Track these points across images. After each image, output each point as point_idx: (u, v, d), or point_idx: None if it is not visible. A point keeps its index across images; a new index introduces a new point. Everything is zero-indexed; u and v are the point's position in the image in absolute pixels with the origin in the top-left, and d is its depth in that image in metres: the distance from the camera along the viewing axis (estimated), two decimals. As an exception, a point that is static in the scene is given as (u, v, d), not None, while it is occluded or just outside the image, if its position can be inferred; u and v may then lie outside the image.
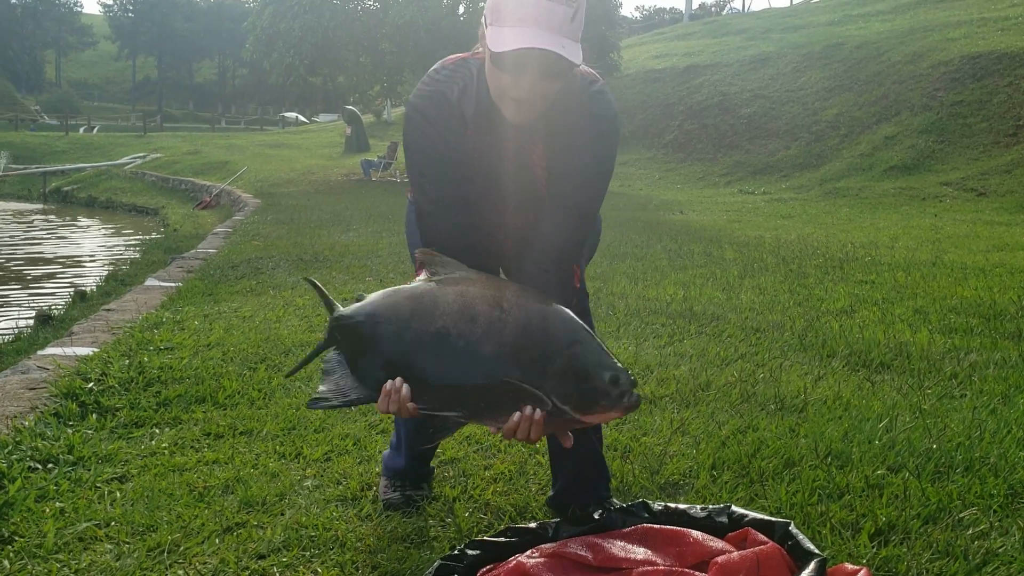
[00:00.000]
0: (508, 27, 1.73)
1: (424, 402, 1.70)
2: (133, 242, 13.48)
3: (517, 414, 1.64)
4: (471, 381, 1.67)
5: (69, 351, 3.83)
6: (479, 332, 1.66)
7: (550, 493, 2.17)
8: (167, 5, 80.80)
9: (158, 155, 29.49)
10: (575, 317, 1.74)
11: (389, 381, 1.70)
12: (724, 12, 41.46)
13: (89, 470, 2.52)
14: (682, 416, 2.78)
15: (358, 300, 1.86)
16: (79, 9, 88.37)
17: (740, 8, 40.73)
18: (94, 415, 3.04)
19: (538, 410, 1.64)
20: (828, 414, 2.76)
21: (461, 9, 20.14)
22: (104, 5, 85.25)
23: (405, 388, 1.69)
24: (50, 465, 2.55)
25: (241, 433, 2.85)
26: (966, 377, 3.25)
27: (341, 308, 1.89)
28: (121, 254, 11.87)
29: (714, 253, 7.26)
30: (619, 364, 1.68)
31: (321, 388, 1.82)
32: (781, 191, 15.30)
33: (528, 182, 1.97)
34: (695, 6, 44.91)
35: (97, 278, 8.95)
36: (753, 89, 20.61)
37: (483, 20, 1.85)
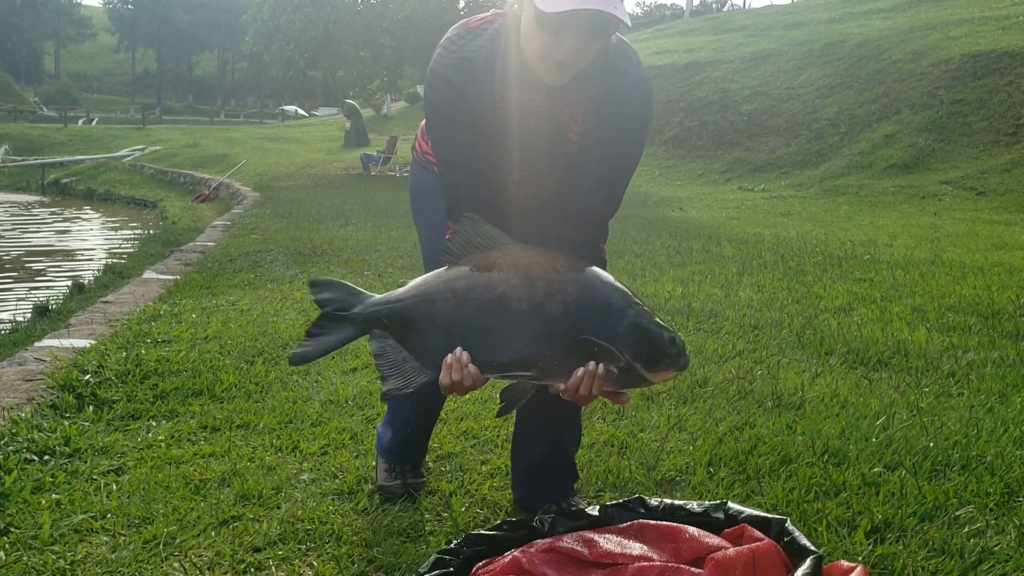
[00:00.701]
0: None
1: (493, 368, 1.70)
2: (131, 234, 13.47)
3: (581, 370, 1.64)
4: (542, 340, 1.67)
5: (66, 343, 3.83)
6: (541, 294, 1.67)
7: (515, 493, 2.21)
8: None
9: (157, 148, 29.45)
10: (622, 286, 1.76)
11: (450, 354, 1.70)
12: (725, 8, 41.42)
13: (85, 462, 2.52)
14: (679, 413, 2.78)
15: (402, 287, 1.84)
16: (78, 1, 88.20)
17: (741, 5, 40.72)
18: (91, 407, 3.04)
19: (601, 366, 1.65)
20: (825, 411, 2.76)
21: (462, 3, 20.10)
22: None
23: (466, 355, 1.69)
24: (46, 457, 2.54)
25: (238, 426, 2.85)
26: (964, 375, 3.25)
27: (375, 295, 1.86)
28: (119, 246, 11.85)
29: (713, 250, 7.26)
30: (670, 329, 1.73)
31: (390, 380, 1.79)
32: (781, 188, 15.30)
33: (560, 145, 1.92)
34: (696, 2, 44.85)
35: (95, 270, 8.94)
36: (754, 86, 20.59)
37: None
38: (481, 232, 1.79)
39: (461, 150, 1.89)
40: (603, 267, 1.91)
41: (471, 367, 1.68)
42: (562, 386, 1.68)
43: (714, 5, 47.19)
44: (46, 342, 3.93)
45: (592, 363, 1.64)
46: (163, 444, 2.69)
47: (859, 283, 5.56)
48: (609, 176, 1.89)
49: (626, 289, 1.73)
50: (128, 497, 2.25)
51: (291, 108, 56.04)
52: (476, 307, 1.70)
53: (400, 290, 1.83)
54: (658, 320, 1.71)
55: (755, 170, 17.26)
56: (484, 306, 1.69)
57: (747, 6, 39.64)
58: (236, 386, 3.29)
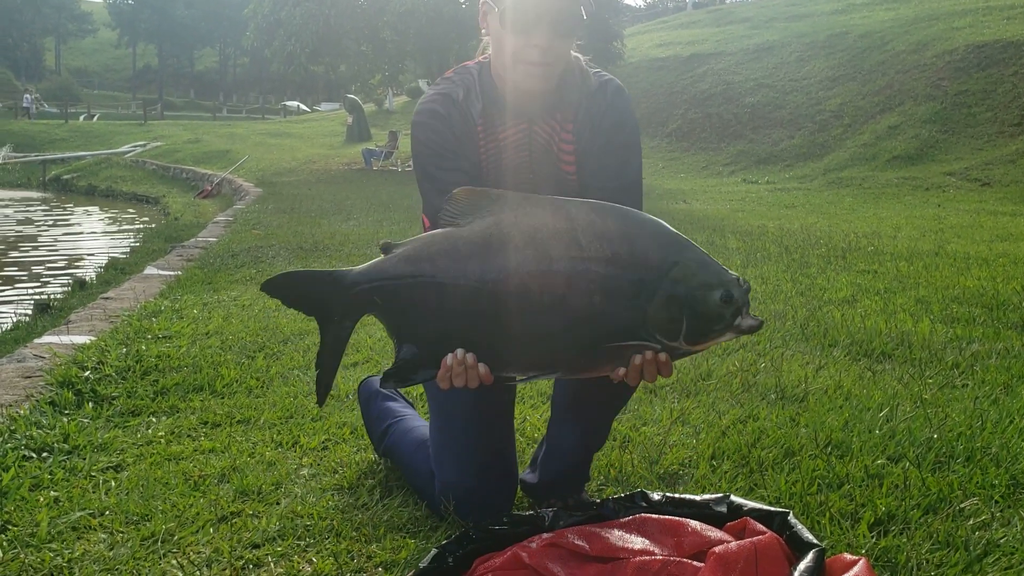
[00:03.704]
0: None
1: (508, 369, 1.54)
2: (133, 230, 13.46)
3: (639, 357, 1.49)
4: (564, 341, 1.49)
5: (66, 339, 3.82)
6: (562, 283, 1.46)
7: (526, 471, 2.15)
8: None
9: (159, 143, 29.43)
10: (662, 224, 1.53)
11: (450, 355, 1.52)
12: (728, 0, 41.26)
13: (84, 459, 2.51)
14: (682, 406, 2.76)
15: (385, 251, 1.58)
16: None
17: (744, -4, 40.53)
18: (90, 403, 3.03)
19: (661, 353, 1.49)
20: (829, 404, 2.73)
21: (463, -3, 20.04)
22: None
23: (471, 356, 1.52)
24: (45, 454, 2.53)
25: (238, 422, 2.83)
26: (968, 367, 3.23)
27: (355, 269, 1.59)
28: (121, 242, 11.85)
29: (717, 242, 7.24)
30: (729, 274, 1.49)
31: (397, 363, 1.59)
32: (784, 180, 15.26)
33: (554, 175, 1.89)
34: (698, -6, 44.71)
35: (97, 266, 8.93)
36: (757, 78, 20.53)
37: (482, 2, 1.81)
38: (483, 193, 1.58)
39: (452, 177, 1.80)
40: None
41: (481, 368, 1.53)
42: (621, 371, 1.52)
43: (716, -3, 46.99)
44: (46, 339, 3.92)
45: (650, 352, 1.49)
46: (163, 440, 2.68)
47: (863, 275, 5.53)
48: (622, 184, 1.86)
49: (669, 239, 1.50)
50: (127, 494, 2.23)
51: (293, 103, 56.00)
52: (491, 299, 1.49)
53: (394, 260, 1.56)
54: (710, 276, 1.47)
55: (759, 162, 17.21)
56: (499, 297, 1.48)
57: (749, -2, 39.50)
58: (237, 381, 3.28)
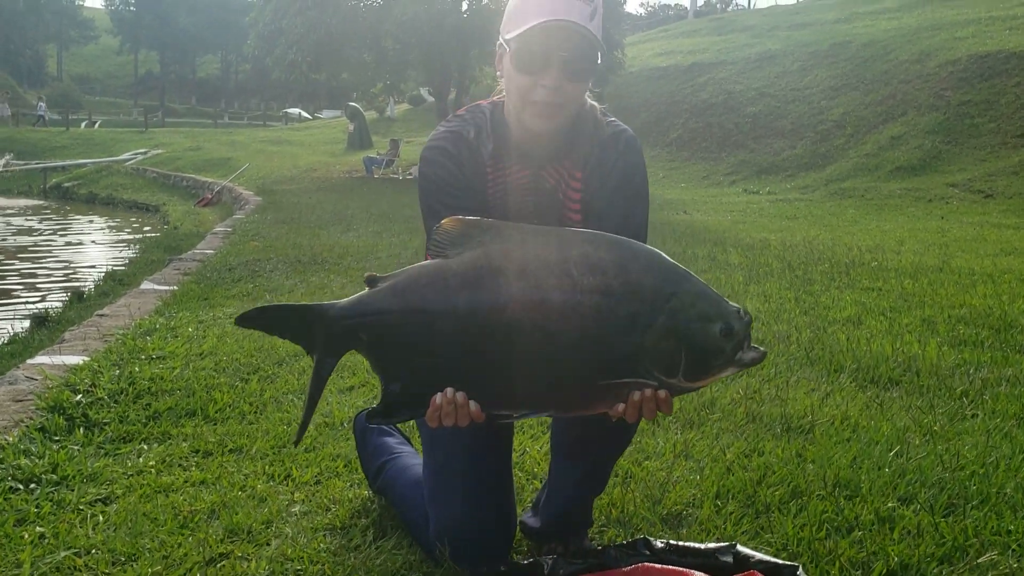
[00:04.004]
0: (524, 25, 1.70)
1: (500, 406, 1.48)
2: (133, 239, 13.41)
3: (637, 394, 1.44)
4: (556, 378, 1.43)
5: (58, 360, 3.75)
6: (553, 316, 1.40)
7: (527, 514, 2.08)
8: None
9: (159, 151, 29.43)
10: (659, 255, 1.47)
11: (439, 395, 1.47)
12: (729, 9, 41.29)
13: (73, 490, 2.45)
14: (685, 438, 2.69)
15: (371, 285, 1.51)
16: (81, 3, 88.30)
17: (746, 5, 40.58)
18: (81, 429, 2.97)
19: (661, 390, 1.43)
20: (836, 436, 2.66)
21: (464, 6, 20.00)
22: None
23: (461, 395, 1.46)
24: (32, 485, 2.47)
25: (230, 451, 2.77)
26: (977, 395, 3.16)
27: (338, 303, 1.53)
28: (120, 252, 11.80)
29: (719, 257, 7.17)
30: (729, 306, 1.43)
31: (384, 399, 1.52)
32: (786, 191, 15.20)
33: (558, 217, 1.86)
34: (700, 3, 44.74)
35: (95, 277, 8.88)
36: (758, 87, 20.49)
37: (498, 44, 1.79)
38: (473, 223, 1.52)
39: (454, 207, 1.75)
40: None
41: (472, 406, 1.47)
42: (620, 408, 1.46)
43: (719, 6, 47.08)
44: (38, 359, 3.86)
45: (650, 390, 1.44)
46: (153, 470, 2.62)
47: (867, 292, 5.46)
48: (625, 233, 1.81)
49: (667, 271, 1.44)
50: (115, 530, 2.17)
51: (295, 111, 56.02)
52: (480, 332, 1.43)
53: (380, 293, 1.50)
54: (710, 308, 1.41)
55: (760, 172, 17.16)
56: (489, 331, 1.42)
57: (752, 6, 39.52)
58: (230, 406, 3.22)
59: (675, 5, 74.54)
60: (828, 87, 18.99)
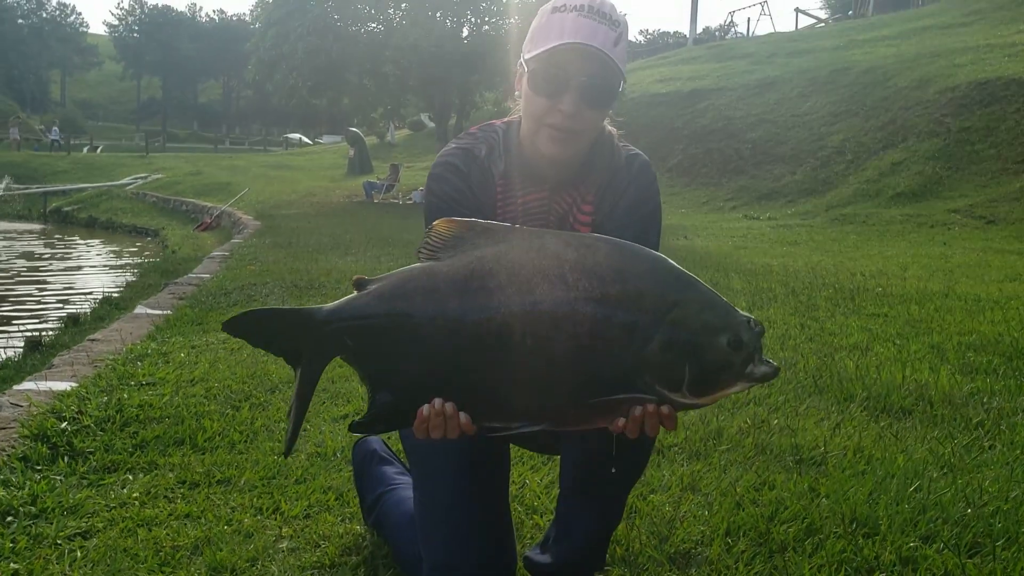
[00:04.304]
0: (544, 45, 1.64)
1: (492, 418, 1.39)
2: (131, 263, 13.33)
3: (638, 409, 1.34)
4: (550, 389, 1.34)
5: (45, 386, 3.65)
6: (547, 324, 1.32)
7: (534, 550, 1.96)
8: (172, 25, 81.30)
9: (160, 175, 29.43)
10: (662, 259, 1.38)
11: (426, 406, 1.37)
12: (728, 36, 41.51)
13: (51, 523, 2.35)
14: (692, 470, 2.58)
15: (359, 288, 1.44)
16: (85, 29, 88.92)
17: (744, 32, 40.80)
18: (65, 458, 2.87)
19: (664, 405, 1.33)
20: (850, 469, 2.55)
21: (465, 32, 20.08)
22: (110, 26, 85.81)
23: (450, 406, 1.37)
24: (9, 518, 2.37)
25: (218, 482, 2.66)
26: (993, 426, 3.04)
27: (325, 307, 1.44)
28: (118, 276, 11.72)
29: (721, 282, 7.07)
30: (738, 315, 1.33)
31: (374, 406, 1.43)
32: (787, 217, 15.13)
33: None
34: (699, 30, 44.98)
35: (92, 302, 8.79)
36: (758, 114, 20.49)
37: (518, 63, 1.73)
38: (467, 225, 1.43)
39: None
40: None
41: (461, 417, 1.37)
42: (621, 422, 1.36)
43: (717, 33, 47.37)
44: (25, 385, 3.75)
45: (652, 405, 1.34)
46: (137, 502, 2.52)
47: (873, 319, 5.36)
48: None
49: (669, 278, 1.35)
50: (92, 567, 2.07)
51: (295, 136, 56.23)
52: (471, 339, 1.34)
53: (367, 297, 1.42)
54: (716, 319, 1.32)
55: (761, 198, 17.10)
56: (479, 339, 1.34)
57: (751, 34, 39.74)
58: (220, 434, 3.11)
59: (674, 32, 75.09)
60: (828, 113, 18.98)
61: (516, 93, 1.77)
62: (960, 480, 2.40)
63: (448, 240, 1.42)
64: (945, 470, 2.52)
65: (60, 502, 2.48)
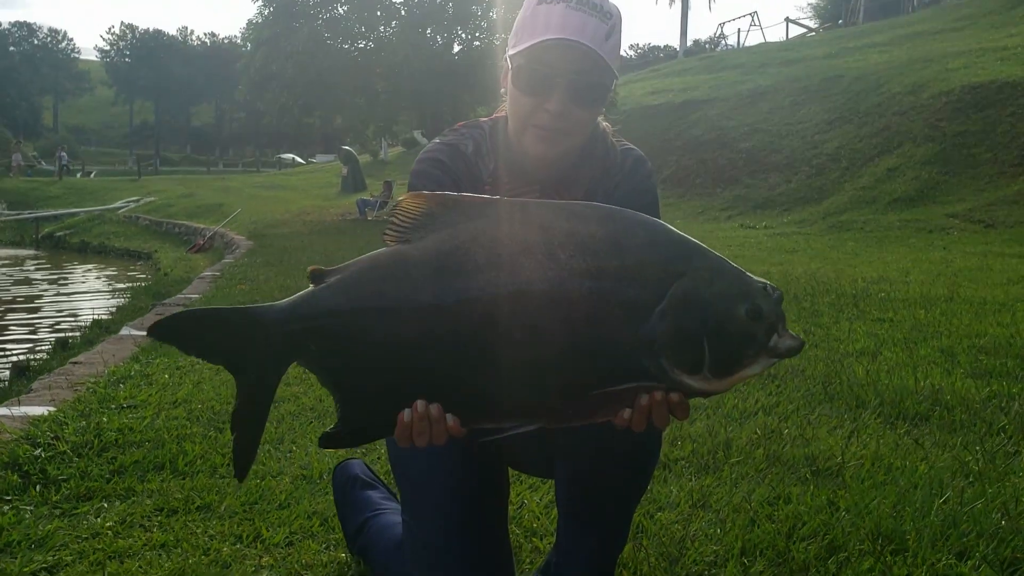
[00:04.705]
0: (529, 41, 1.51)
1: (479, 419, 1.22)
2: (122, 287, 13.19)
3: (646, 397, 1.19)
4: (543, 382, 1.18)
5: (20, 411, 3.49)
6: (535, 308, 1.16)
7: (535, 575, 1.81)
8: (164, 50, 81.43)
9: (152, 198, 29.30)
10: (662, 226, 1.22)
11: (407, 410, 1.21)
12: (719, 48, 41.57)
13: (16, 558, 2.19)
14: (702, 484, 2.42)
15: (316, 281, 1.27)
16: (76, 55, 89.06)
17: (735, 43, 40.87)
18: (38, 487, 2.72)
19: (673, 392, 1.18)
20: (869, 480, 2.40)
21: (456, 48, 20.03)
22: (101, 51, 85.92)
23: (435, 408, 1.21)
24: (-30, 554, 2.20)
25: (197, 508, 2.51)
26: (1016, 431, 2.89)
27: (279, 304, 1.26)
28: (109, 300, 11.59)
29: (720, 291, 6.93)
30: (753, 282, 1.19)
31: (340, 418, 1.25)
32: (783, 225, 15.01)
33: None
34: (689, 43, 45.08)
35: (82, 325, 8.66)
36: (751, 123, 20.42)
37: (503, 59, 1.61)
38: (436, 199, 1.24)
39: None
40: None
41: (449, 419, 1.22)
42: (626, 414, 1.21)
43: (707, 46, 47.49)
44: (0, 411, 3.59)
45: (660, 392, 1.19)
46: (111, 532, 2.36)
47: (879, 323, 5.22)
48: None
49: (674, 245, 1.20)
50: (54, 606, 1.90)
51: (288, 156, 56.19)
52: (450, 330, 1.18)
53: (328, 290, 1.24)
54: (730, 287, 1.17)
55: (756, 207, 16.99)
56: (460, 330, 1.18)
57: (741, 44, 39.82)
58: (202, 458, 2.95)
59: (665, 46, 75.33)
60: (821, 121, 18.91)
61: (502, 90, 1.65)
62: (990, 489, 2.25)
63: (417, 218, 1.24)
64: (971, 479, 2.36)
65: (28, 534, 2.33)
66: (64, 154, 45.02)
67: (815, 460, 2.58)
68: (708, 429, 2.91)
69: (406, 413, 1.21)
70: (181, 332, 1.27)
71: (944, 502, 2.17)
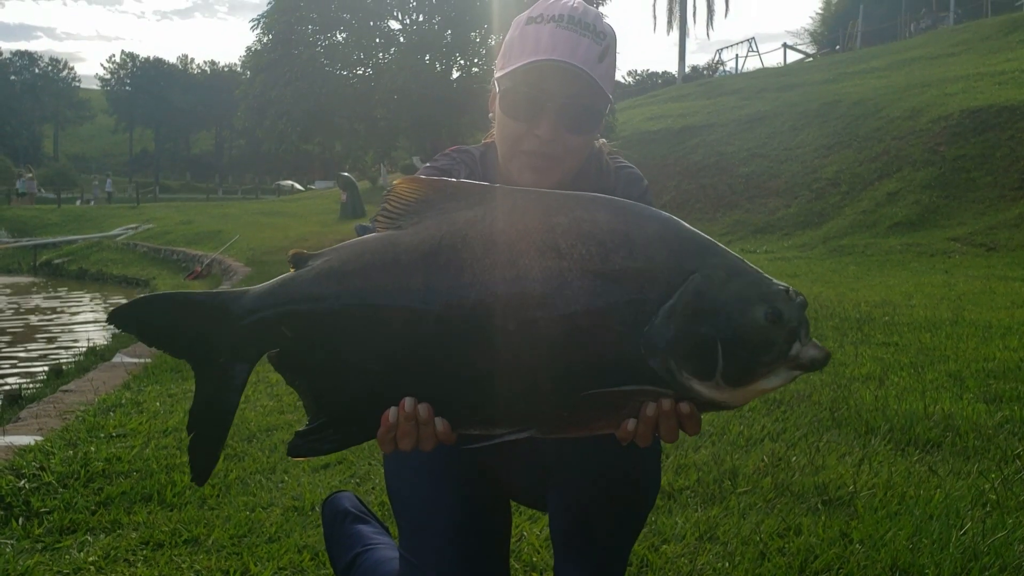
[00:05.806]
0: (517, 62, 1.44)
1: (467, 424, 1.12)
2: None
3: (652, 406, 1.08)
4: (539, 384, 1.08)
5: (5, 441, 3.40)
6: (534, 302, 1.07)
7: None
8: (164, 78, 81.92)
9: (151, 225, 29.27)
10: (674, 221, 1.13)
11: (393, 409, 1.11)
12: (717, 74, 41.76)
13: (-8, 597, 2.09)
14: (708, 515, 2.33)
15: (297, 265, 1.17)
16: (77, 84, 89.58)
17: (733, 69, 41.06)
18: (20, 519, 2.63)
19: (683, 402, 1.07)
20: (882, 510, 2.30)
21: (454, 75, 20.08)
22: (102, 79, 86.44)
23: (425, 408, 1.11)
24: (-55, 593, 2.11)
25: (184, 542, 2.42)
26: (1032, 458, 2.80)
27: (253, 289, 1.17)
28: (107, 327, 11.51)
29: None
30: (773, 284, 1.09)
31: (309, 423, 1.15)
32: (784, 249, 14.96)
33: None
34: (687, 69, 45.31)
35: (78, 353, 8.58)
36: (750, 148, 20.43)
37: (491, 84, 1.54)
38: (433, 184, 1.16)
39: None
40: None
41: (438, 423, 1.12)
42: (630, 425, 1.10)
43: (705, 72, 47.72)
44: (-16, 441, 3.50)
45: (668, 401, 1.08)
46: (93, 567, 2.28)
47: (885, 348, 5.13)
48: None
49: (686, 241, 1.11)
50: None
51: (287, 183, 56.30)
52: (440, 325, 1.08)
53: (308, 276, 1.15)
54: (749, 288, 1.07)
55: (756, 232, 16.95)
56: (451, 324, 1.08)
57: (739, 70, 40.01)
58: (190, 489, 2.86)
59: (663, 73, 75.75)
60: (820, 146, 18.91)
61: (490, 115, 1.57)
62: (1009, 520, 2.16)
63: (411, 204, 1.16)
64: (989, 508, 2.27)
65: (7, 569, 2.24)
66: (109, 181, 45.61)
67: (825, 489, 2.48)
68: (713, 457, 2.82)
69: (391, 412, 1.12)
70: (142, 317, 1.18)
71: (963, 533, 2.07)
